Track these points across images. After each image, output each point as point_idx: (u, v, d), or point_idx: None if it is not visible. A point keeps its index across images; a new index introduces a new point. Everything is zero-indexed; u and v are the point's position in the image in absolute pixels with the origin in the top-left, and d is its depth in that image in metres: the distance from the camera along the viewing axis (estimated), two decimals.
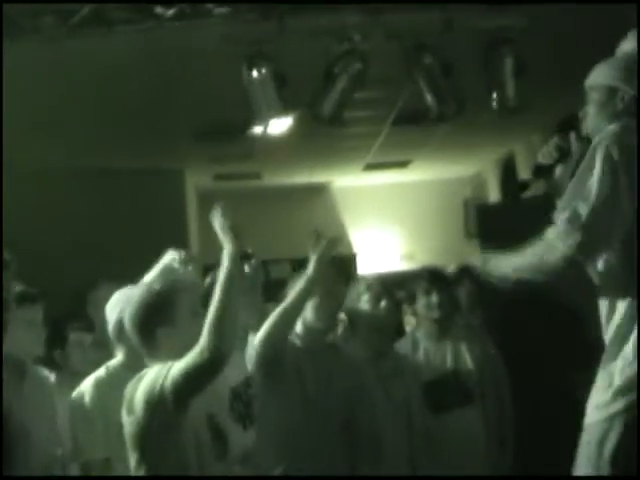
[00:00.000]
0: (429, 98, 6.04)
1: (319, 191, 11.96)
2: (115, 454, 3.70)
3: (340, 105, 6.00)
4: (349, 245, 11.81)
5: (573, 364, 4.72)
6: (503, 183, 10.83)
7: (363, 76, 5.89)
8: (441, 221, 11.49)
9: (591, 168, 3.10)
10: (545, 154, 3.51)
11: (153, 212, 9.34)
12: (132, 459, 3.26)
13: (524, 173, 10.14)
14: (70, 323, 4.83)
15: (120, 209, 9.24)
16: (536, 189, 3.78)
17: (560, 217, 3.11)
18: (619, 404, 3.09)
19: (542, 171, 3.50)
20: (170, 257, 4.29)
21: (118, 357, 4.11)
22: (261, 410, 4.08)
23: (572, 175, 3.24)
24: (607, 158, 3.08)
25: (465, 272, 5.52)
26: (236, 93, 5.97)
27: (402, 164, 10.98)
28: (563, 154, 3.46)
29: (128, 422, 3.24)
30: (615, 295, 3.18)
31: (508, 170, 10.56)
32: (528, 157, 10.23)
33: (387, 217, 11.88)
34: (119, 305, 3.98)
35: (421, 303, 4.89)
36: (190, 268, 4.26)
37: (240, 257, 3.92)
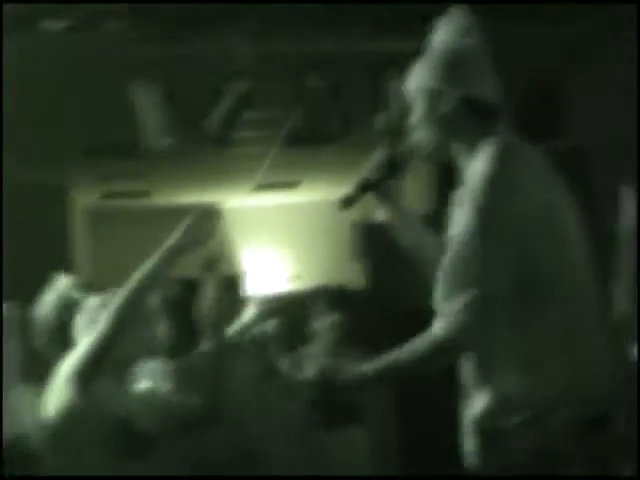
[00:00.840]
0: (316, 118, 6.12)
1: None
2: None
3: (227, 124, 6.03)
4: (238, 265, 11.82)
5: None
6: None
7: (251, 96, 5.94)
8: (329, 242, 11.58)
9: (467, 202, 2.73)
10: (371, 168, 3.21)
11: (35, 228, 9.15)
12: None
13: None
14: None
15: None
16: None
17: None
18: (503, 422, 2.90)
19: (367, 186, 3.18)
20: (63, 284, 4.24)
21: None
22: None
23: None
24: (480, 214, 2.67)
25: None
26: (125, 111, 5.96)
27: (292, 185, 11.04)
28: (391, 169, 3.17)
29: None
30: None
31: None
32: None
33: (276, 238, 11.92)
34: None
35: (318, 321, 4.91)
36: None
37: None
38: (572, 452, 2.85)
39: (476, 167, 2.72)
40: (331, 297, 4.96)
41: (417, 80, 2.88)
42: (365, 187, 3.16)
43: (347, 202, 3.20)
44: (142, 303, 3.37)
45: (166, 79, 5.82)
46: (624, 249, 4.20)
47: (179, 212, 12.28)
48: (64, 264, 8.88)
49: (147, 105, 5.89)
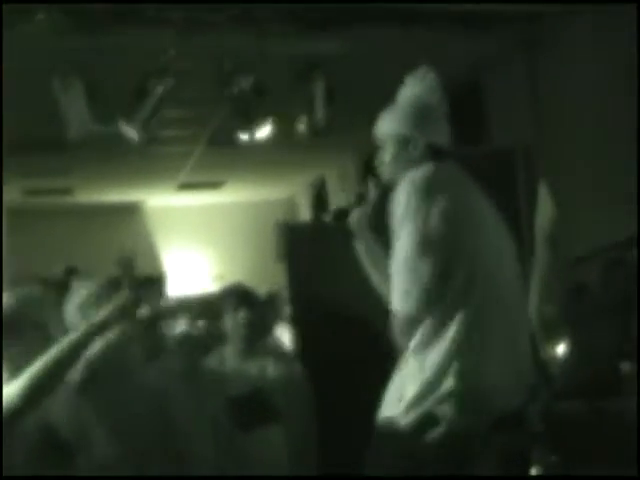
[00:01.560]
0: (241, 118, 6.13)
1: (131, 210, 11.87)
2: None
3: (150, 122, 5.99)
4: (160, 265, 11.77)
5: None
6: (314, 207, 11.02)
7: (175, 94, 5.92)
8: (252, 243, 11.58)
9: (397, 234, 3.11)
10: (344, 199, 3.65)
11: None
12: None
13: (335, 197, 10.36)
14: None
15: None
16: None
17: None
18: (409, 417, 3.13)
19: (342, 214, 3.47)
20: None
21: None
22: None
23: (368, 218, 3.36)
24: (411, 224, 3.06)
25: (275, 296, 5.59)
26: (48, 106, 5.90)
27: (215, 185, 11.02)
28: (361, 198, 3.44)
29: None
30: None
31: (319, 194, 10.77)
32: (339, 181, 10.45)
33: (199, 238, 11.88)
34: None
35: (228, 320, 4.92)
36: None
37: (66, 272, 3.91)
38: (479, 450, 3.07)
39: (396, 196, 3.12)
40: (240, 296, 4.97)
41: (388, 126, 3.27)
42: (339, 215, 3.49)
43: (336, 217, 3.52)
44: (60, 376, 3.25)
45: (89, 74, 5.77)
46: (538, 246, 4.30)
47: (102, 210, 12.25)
48: None
49: (70, 99, 5.84)
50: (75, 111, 5.88)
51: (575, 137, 5.64)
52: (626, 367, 4.09)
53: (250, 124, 6.24)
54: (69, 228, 11.24)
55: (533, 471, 3.61)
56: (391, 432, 3.19)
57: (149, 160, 9.22)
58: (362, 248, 3.39)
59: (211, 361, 4.95)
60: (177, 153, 9.01)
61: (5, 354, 3.30)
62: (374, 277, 3.36)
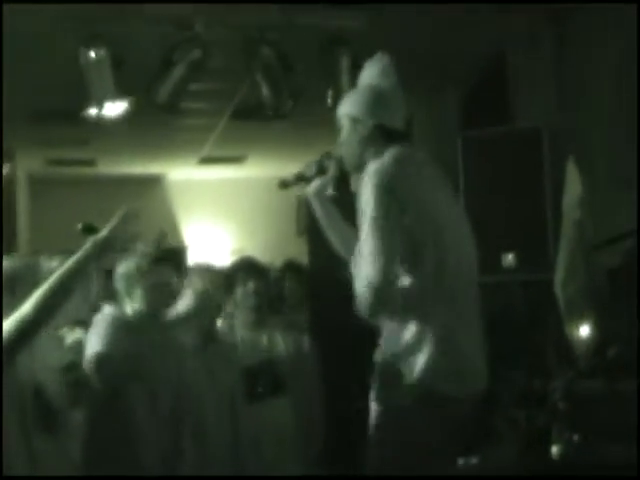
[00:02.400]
0: (266, 92, 6.11)
1: (153, 182, 11.89)
2: None
3: (176, 93, 6.00)
4: (181, 238, 11.80)
5: None
6: (338, 181, 10.99)
7: (202, 65, 5.91)
8: (273, 218, 11.59)
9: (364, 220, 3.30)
10: (309, 166, 3.82)
11: None
12: None
13: None
14: None
15: None
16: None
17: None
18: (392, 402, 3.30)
19: (302, 178, 3.80)
20: None
21: None
22: None
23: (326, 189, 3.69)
24: (376, 206, 3.25)
25: (290, 267, 5.62)
26: (73, 75, 5.90)
27: (238, 159, 11.02)
28: (321, 171, 3.75)
29: None
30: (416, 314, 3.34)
31: (342, 169, 10.74)
32: None
33: (220, 212, 11.90)
34: None
35: (239, 292, 4.98)
36: None
37: (87, 229, 3.98)
38: (441, 443, 3.26)
39: (364, 180, 3.34)
40: (249, 268, 5.02)
41: (345, 108, 3.53)
42: (299, 179, 3.82)
43: (283, 185, 3.90)
44: (67, 293, 3.33)
45: (115, 44, 5.76)
46: (565, 226, 4.29)
47: (124, 182, 12.30)
48: (7, 228, 8.83)
49: (96, 71, 5.84)
50: (100, 82, 5.87)
51: (603, 120, 5.60)
52: None
53: (274, 97, 6.22)
54: (90, 199, 11.26)
55: (554, 449, 3.63)
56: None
57: (173, 132, 9.22)
58: (321, 214, 3.69)
59: (222, 331, 4.99)
60: (201, 126, 9.00)
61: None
62: (333, 239, 3.66)
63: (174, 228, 11.84)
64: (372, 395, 3.34)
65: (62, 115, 8.06)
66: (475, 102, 7.33)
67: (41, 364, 3.55)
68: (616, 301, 4.57)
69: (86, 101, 6.05)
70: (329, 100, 6.13)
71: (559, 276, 4.47)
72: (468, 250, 3.49)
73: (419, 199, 3.31)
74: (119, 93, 5.91)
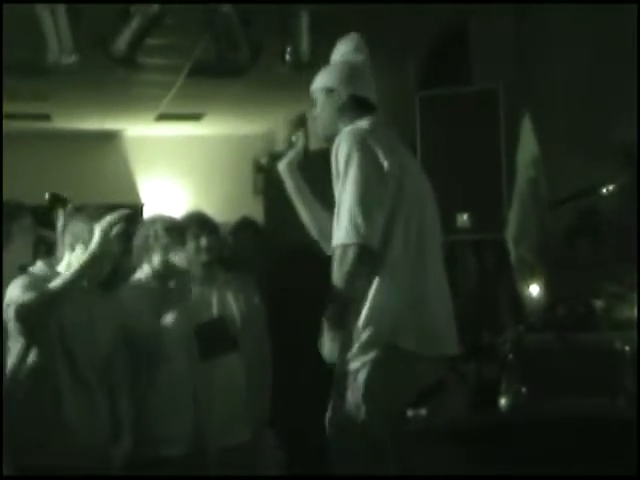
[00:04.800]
0: (224, 47, 6.08)
1: (110, 138, 11.79)
2: None
3: (133, 46, 5.94)
4: (137, 195, 11.75)
5: None
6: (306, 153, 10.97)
7: (160, 20, 5.87)
8: (230, 176, 11.57)
9: (342, 180, 3.46)
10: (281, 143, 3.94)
11: None
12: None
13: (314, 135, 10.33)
14: None
15: None
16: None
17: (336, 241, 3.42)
18: (359, 361, 3.44)
19: (277, 157, 3.90)
20: None
21: None
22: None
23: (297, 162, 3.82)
24: (355, 166, 3.41)
25: (244, 225, 5.60)
26: (31, 30, 5.84)
27: (195, 117, 10.96)
28: (291, 146, 3.90)
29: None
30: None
31: (299, 130, 10.73)
32: None
33: (177, 169, 11.84)
34: None
35: (191, 246, 4.92)
36: None
37: (54, 200, 4.04)
38: (398, 399, 3.45)
39: (339, 143, 3.50)
40: (202, 222, 4.96)
41: (320, 81, 3.74)
42: (274, 159, 3.94)
43: (259, 169, 3.92)
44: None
45: None
46: (518, 184, 4.34)
47: (80, 137, 12.17)
48: None
49: (52, 22, 5.78)
50: (57, 35, 5.82)
51: (557, 79, 5.64)
52: (599, 304, 4.15)
53: (232, 52, 6.18)
54: (46, 155, 11.17)
55: (502, 401, 3.69)
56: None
57: (130, 88, 9.15)
58: (292, 187, 3.83)
59: (175, 287, 4.92)
60: (159, 82, 8.93)
61: None
62: (303, 214, 3.82)
63: (130, 185, 11.78)
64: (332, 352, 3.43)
65: (19, 68, 7.97)
66: (434, 67, 7.34)
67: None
68: (571, 259, 4.64)
69: (43, 54, 5.98)
70: (287, 57, 6.12)
71: (511, 233, 4.52)
72: (434, 214, 3.66)
73: (391, 164, 3.45)
74: (76, 45, 5.85)
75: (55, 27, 5.78)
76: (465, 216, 5.35)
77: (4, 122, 10.59)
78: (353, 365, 3.43)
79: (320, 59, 6.05)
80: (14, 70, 8.06)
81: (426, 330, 3.41)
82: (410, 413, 3.92)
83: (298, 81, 7.86)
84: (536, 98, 5.50)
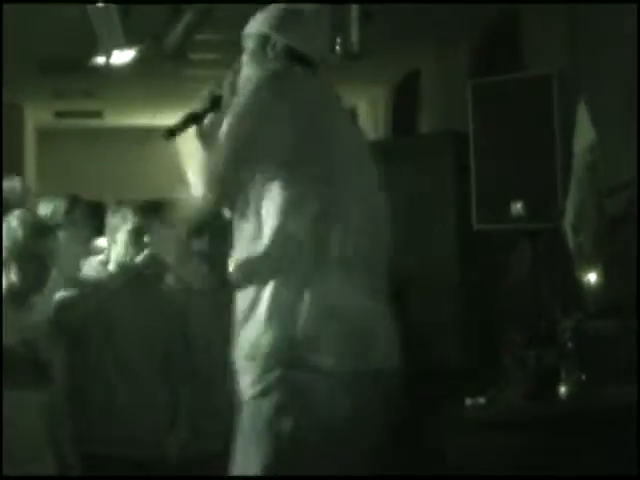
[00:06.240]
0: None
1: (160, 133, 11.85)
2: None
3: (185, 42, 5.96)
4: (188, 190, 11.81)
5: None
6: None
7: (211, 14, 5.88)
8: None
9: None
10: (199, 101, 3.23)
11: None
12: None
13: (365, 126, 10.33)
14: None
15: None
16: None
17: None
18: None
19: (194, 119, 3.17)
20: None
21: None
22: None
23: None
24: (251, 104, 2.85)
25: None
26: (81, 26, 5.88)
27: None
28: (215, 104, 3.16)
29: None
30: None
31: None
32: (369, 111, 10.42)
33: None
34: None
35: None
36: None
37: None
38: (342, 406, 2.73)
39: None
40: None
41: (251, 26, 3.07)
42: (190, 120, 3.19)
43: (171, 132, 3.25)
44: None
45: None
46: (575, 172, 4.27)
47: (130, 133, 12.31)
48: None
49: (103, 20, 5.82)
50: (108, 30, 5.85)
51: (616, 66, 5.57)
52: None
53: None
54: (98, 151, 11.29)
55: (562, 389, 3.66)
56: None
57: (181, 83, 9.20)
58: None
59: None
60: (209, 77, 8.92)
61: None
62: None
63: (180, 179, 11.85)
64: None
65: (70, 66, 8.04)
66: (487, 53, 7.30)
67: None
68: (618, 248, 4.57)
69: (94, 51, 6.03)
70: (337, 48, 6.08)
71: (569, 220, 4.45)
72: (374, 205, 2.96)
73: (311, 126, 2.83)
74: (127, 42, 5.89)
75: (106, 23, 5.81)
76: (519, 204, 5.30)
77: (56, 120, 10.73)
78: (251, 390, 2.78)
79: (370, 51, 6.10)
80: (66, 68, 8.14)
81: (340, 343, 2.73)
82: (469, 402, 3.90)
83: (348, 72, 7.89)
84: (591, 84, 5.44)
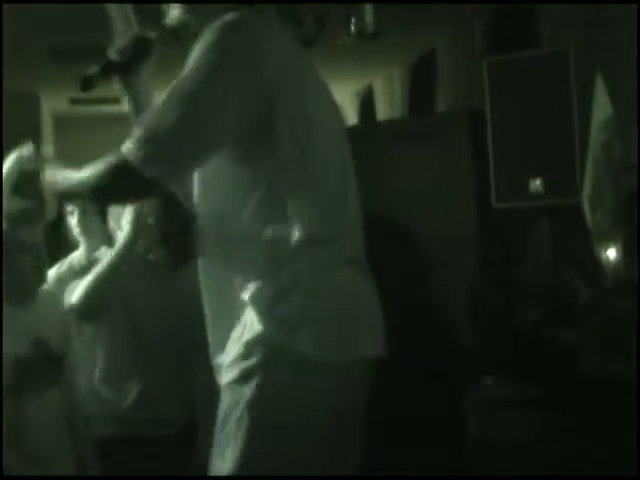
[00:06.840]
0: (290, 23, 6.05)
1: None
2: None
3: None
4: None
5: None
6: (361, 115, 10.97)
7: None
8: None
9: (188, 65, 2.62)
10: (121, 49, 3.01)
11: (6, 135, 9.11)
12: None
13: (382, 106, 10.30)
14: None
15: None
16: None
17: (137, 128, 2.65)
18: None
19: (117, 67, 2.95)
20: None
21: None
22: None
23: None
24: (208, 52, 2.58)
25: None
26: (97, 14, 5.86)
27: None
28: (144, 50, 2.98)
29: None
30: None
31: (367, 102, 10.71)
32: (386, 91, 10.38)
33: None
34: None
35: None
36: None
37: None
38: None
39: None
40: None
41: None
42: (110, 69, 3.00)
43: (87, 83, 3.04)
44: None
45: None
46: (592, 148, 4.24)
47: None
48: None
49: (118, 7, 5.79)
50: (123, 18, 5.83)
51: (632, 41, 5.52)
52: None
53: (299, 30, 6.15)
54: (115, 138, 11.27)
55: (580, 366, 3.64)
56: None
57: None
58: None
59: None
60: None
61: None
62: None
63: None
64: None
65: (85, 53, 8.02)
66: (501, 30, 7.25)
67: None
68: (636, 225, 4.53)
69: (109, 38, 6.01)
70: (352, 28, 6.05)
71: (587, 196, 4.43)
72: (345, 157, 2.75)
73: (281, 78, 2.60)
74: (142, 29, 5.86)
75: (121, 10, 5.79)
76: (538, 181, 5.27)
77: (72, 107, 10.73)
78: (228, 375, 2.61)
79: (384, 31, 6.06)
80: (82, 55, 8.12)
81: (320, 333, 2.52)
82: (488, 381, 3.90)
83: (363, 52, 7.85)
84: (607, 61, 5.40)
